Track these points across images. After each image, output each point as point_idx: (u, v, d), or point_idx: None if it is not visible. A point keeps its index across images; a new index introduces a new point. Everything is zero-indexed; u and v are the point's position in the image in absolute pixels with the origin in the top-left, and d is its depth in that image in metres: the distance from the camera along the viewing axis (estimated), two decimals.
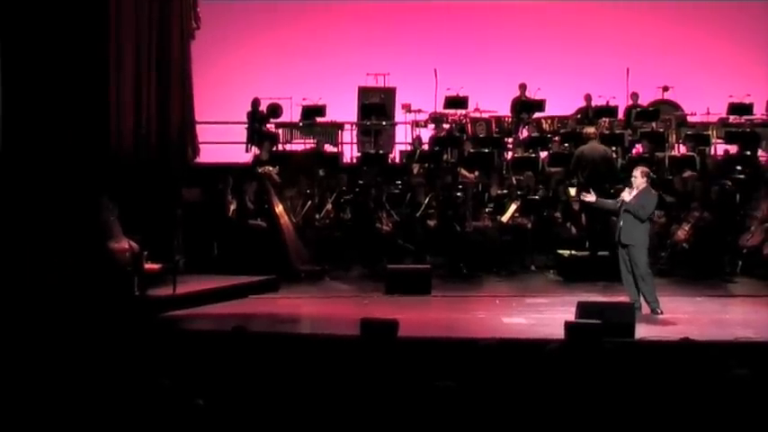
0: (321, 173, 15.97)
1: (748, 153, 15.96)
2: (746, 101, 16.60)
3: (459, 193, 15.46)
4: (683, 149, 16.66)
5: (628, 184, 12.12)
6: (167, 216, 13.18)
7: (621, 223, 11.76)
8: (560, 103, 17.48)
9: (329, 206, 15.42)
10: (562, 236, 15.13)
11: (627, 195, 11.70)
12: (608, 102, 16.89)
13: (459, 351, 8.56)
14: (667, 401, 6.87)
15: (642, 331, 10.41)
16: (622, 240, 11.72)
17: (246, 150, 16.92)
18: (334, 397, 6.72)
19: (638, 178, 11.76)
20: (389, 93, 17.95)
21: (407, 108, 17.39)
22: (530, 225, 15.14)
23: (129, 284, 11.64)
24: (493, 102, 17.38)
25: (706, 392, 6.87)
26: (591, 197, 12.27)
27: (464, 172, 15.97)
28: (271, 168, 15.18)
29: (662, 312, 11.61)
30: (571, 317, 10.18)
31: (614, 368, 7.79)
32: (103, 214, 11.72)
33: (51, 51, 10.89)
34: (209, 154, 15.86)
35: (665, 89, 17.76)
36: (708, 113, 17.13)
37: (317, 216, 15.36)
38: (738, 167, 15.65)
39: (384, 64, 17.85)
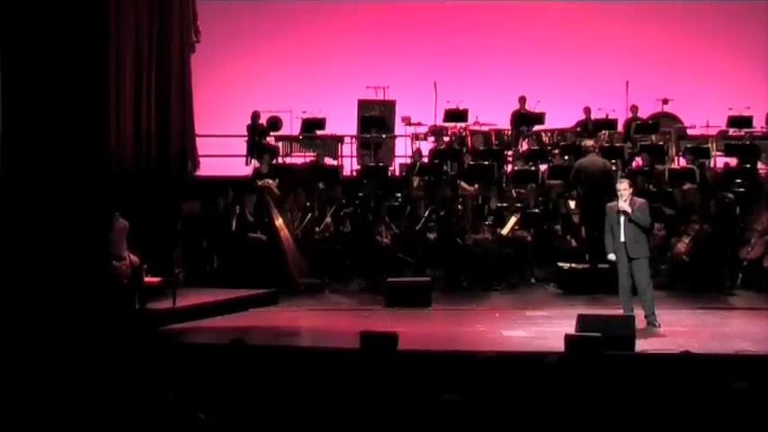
0: (321, 186, 15.97)
1: (748, 166, 15.94)
2: (746, 114, 16.59)
3: (459, 206, 15.45)
4: (682, 162, 16.64)
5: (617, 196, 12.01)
6: (167, 229, 13.18)
7: (624, 237, 11.66)
8: (560, 116, 17.46)
9: (328, 219, 15.41)
10: (562, 249, 15.13)
11: (625, 206, 11.64)
12: (607, 115, 16.87)
13: (459, 364, 8.57)
14: (667, 414, 6.86)
15: (642, 344, 10.40)
16: (630, 254, 11.63)
17: (246, 163, 16.91)
18: (334, 410, 6.71)
19: (628, 189, 11.74)
20: (389, 105, 17.94)
21: (407, 121, 17.39)
22: (530, 238, 15.14)
23: (129, 298, 11.63)
24: (493, 115, 17.37)
25: (706, 405, 6.86)
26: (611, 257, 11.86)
27: (464, 185, 15.97)
28: (270, 181, 15.19)
29: (659, 326, 11.60)
30: (571, 330, 10.19)
31: (614, 381, 7.79)
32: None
33: (51, 65, 10.90)
34: (208, 167, 15.87)
35: (665, 102, 17.75)
36: (707, 126, 17.14)
37: (317, 229, 15.36)
38: (738, 180, 15.65)
39: (384, 77, 17.86)
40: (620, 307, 11.89)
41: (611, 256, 11.81)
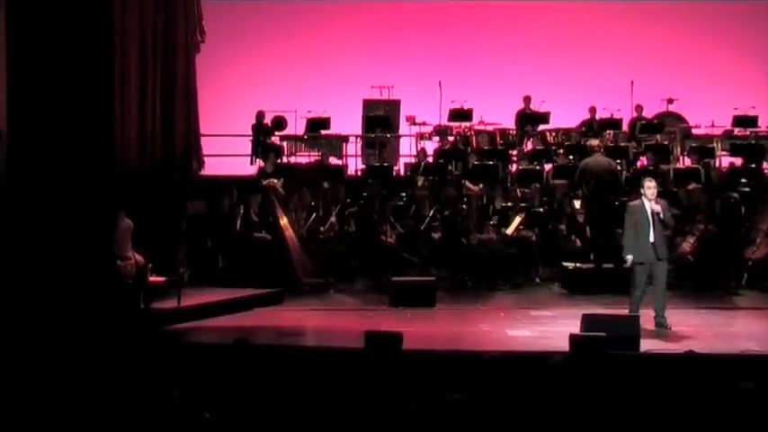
0: (326, 185, 15.98)
1: (753, 165, 15.92)
2: (751, 113, 16.61)
3: (463, 206, 15.45)
4: (687, 162, 16.64)
5: (636, 195, 12.02)
6: (172, 229, 13.20)
7: (654, 238, 11.53)
8: (565, 116, 17.46)
9: (333, 219, 15.42)
10: (567, 248, 15.12)
11: (658, 207, 11.54)
12: (612, 114, 16.87)
13: (464, 364, 8.58)
14: (672, 415, 6.86)
15: (647, 344, 10.40)
16: (660, 255, 11.54)
17: (251, 163, 16.94)
18: (339, 409, 6.72)
19: (656, 188, 11.71)
20: (394, 105, 17.96)
21: (412, 120, 17.38)
22: (534, 238, 15.13)
23: (134, 297, 11.64)
24: (497, 114, 17.37)
25: (711, 406, 6.85)
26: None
27: (468, 184, 15.96)
28: (275, 181, 15.20)
29: (670, 327, 11.58)
30: (576, 330, 10.19)
31: (619, 381, 7.79)
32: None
33: (57, 66, 10.90)
34: (213, 167, 15.91)
35: (670, 101, 17.73)
36: (712, 126, 17.11)
37: (322, 228, 15.36)
38: (743, 180, 15.63)
39: (388, 76, 17.86)
40: (625, 306, 11.86)
41: (630, 257, 11.65)
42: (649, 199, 11.55)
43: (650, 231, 11.52)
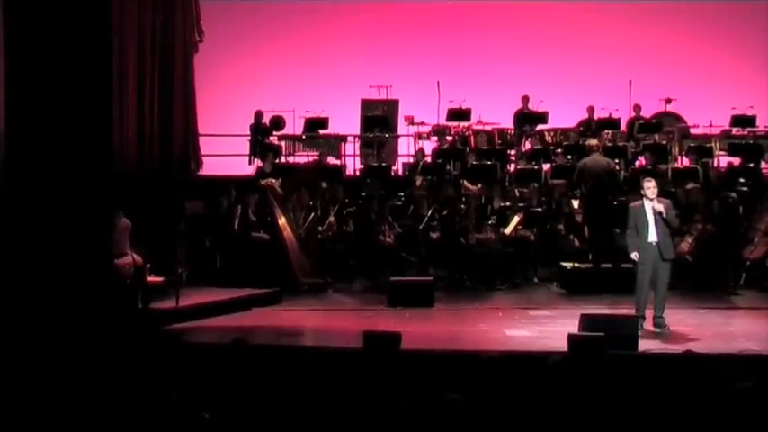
0: (324, 185, 15.98)
1: (751, 165, 15.93)
2: (749, 113, 16.62)
3: (462, 206, 15.46)
4: (685, 162, 16.64)
5: (636, 195, 12.01)
6: (170, 229, 13.20)
7: (657, 237, 11.44)
8: (563, 116, 17.46)
9: (332, 218, 15.42)
10: (565, 248, 15.12)
11: (660, 206, 11.46)
12: (611, 114, 16.88)
13: (462, 364, 8.58)
14: (671, 414, 6.86)
15: (645, 344, 10.40)
16: (664, 255, 11.46)
17: (249, 163, 16.93)
18: (337, 409, 6.72)
19: (657, 188, 11.66)
20: (392, 105, 17.96)
21: (410, 120, 17.39)
22: (533, 237, 15.13)
23: (132, 297, 11.64)
24: (496, 114, 17.37)
25: (710, 405, 6.86)
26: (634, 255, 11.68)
27: (467, 184, 15.96)
28: (274, 181, 15.19)
29: (668, 327, 11.57)
30: (574, 329, 10.19)
31: (617, 381, 7.79)
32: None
33: (55, 67, 10.89)
34: (212, 167, 15.92)
35: (668, 101, 17.73)
36: (711, 126, 17.11)
37: (320, 228, 15.36)
38: (741, 180, 15.62)
39: (387, 76, 17.87)
40: (623, 306, 11.86)
41: (634, 255, 11.59)
42: (650, 199, 11.48)
43: (651, 231, 11.44)
